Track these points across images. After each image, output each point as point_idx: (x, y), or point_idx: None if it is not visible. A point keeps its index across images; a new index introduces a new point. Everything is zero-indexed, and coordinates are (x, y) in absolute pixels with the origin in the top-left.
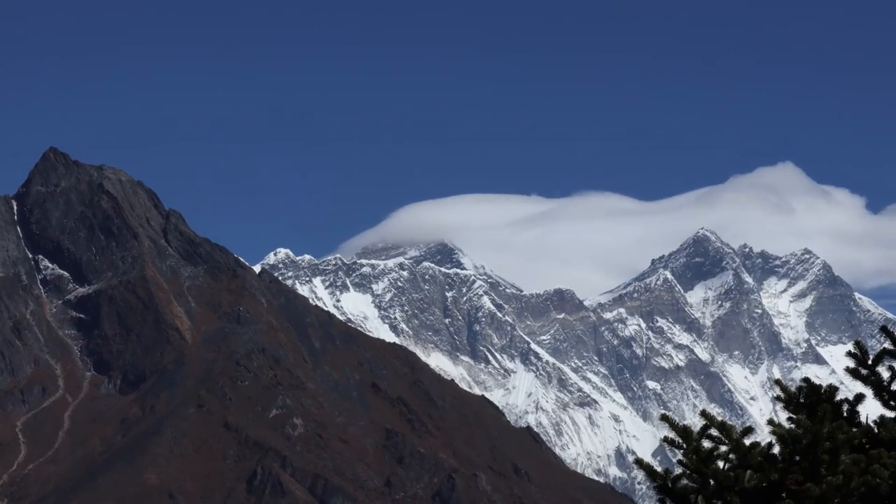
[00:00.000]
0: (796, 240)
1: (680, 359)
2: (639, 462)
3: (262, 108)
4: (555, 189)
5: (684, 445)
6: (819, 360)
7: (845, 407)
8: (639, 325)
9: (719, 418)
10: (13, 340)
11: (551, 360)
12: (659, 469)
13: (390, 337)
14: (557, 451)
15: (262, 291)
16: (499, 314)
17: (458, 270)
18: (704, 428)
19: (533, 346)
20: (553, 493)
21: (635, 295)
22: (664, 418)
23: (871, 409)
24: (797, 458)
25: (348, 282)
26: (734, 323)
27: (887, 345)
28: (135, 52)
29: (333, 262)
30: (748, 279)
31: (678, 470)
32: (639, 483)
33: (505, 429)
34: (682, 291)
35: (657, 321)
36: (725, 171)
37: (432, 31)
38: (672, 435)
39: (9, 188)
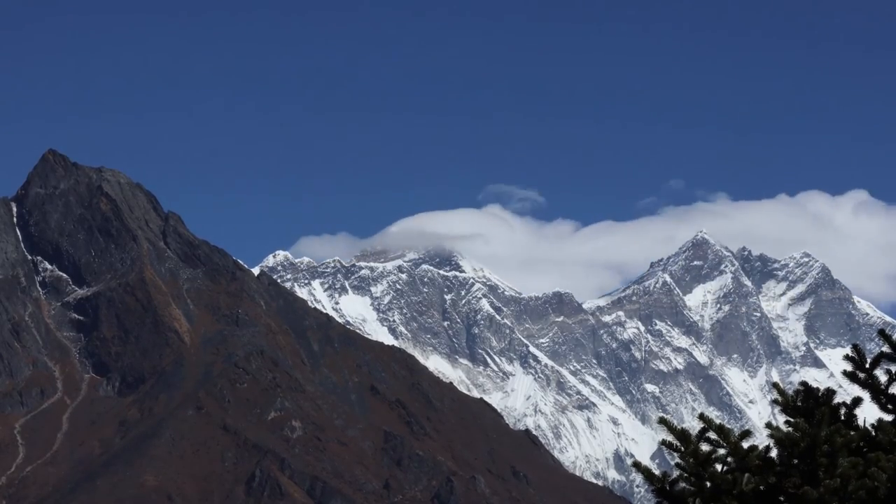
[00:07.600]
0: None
1: (678, 362)
2: (637, 465)
3: (262, 111)
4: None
5: (682, 448)
6: (818, 364)
7: (843, 410)
8: (637, 329)
9: (717, 421)
10: (12, 342)
11: (550, 362)
12: (657, 472)
13: (389, 339)
14: (556, 454)
15: (260, 294)
16: (497, 317)
17: (457, 273)
18: (703, 431)
19: (531, 348)
20: (551, 496)
21: (634, 298)
22: (662, 421)
23: (868, 413)
24: (795, 461)
25: (347, 284)
26: (733, 326)
27: (885, 348)
28: (134, 54)
29: (332, 265)
30: (747, 282)
31: (676, 473)
32: (637, 486)
33: (503, 432)
34: (680, 294)
35: (656, 324)
36: None
37: (441, 32)
38: (670, 438)
39: (8, 190)
